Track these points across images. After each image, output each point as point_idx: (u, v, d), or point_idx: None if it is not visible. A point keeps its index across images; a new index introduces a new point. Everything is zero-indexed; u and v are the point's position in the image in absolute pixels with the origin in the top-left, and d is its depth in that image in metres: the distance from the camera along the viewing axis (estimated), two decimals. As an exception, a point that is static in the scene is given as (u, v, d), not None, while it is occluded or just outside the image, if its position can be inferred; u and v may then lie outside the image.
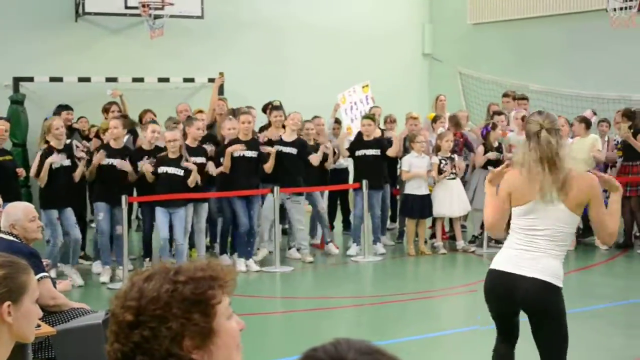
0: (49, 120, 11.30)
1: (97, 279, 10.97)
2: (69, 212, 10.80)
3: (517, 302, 5.11)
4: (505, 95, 15.05)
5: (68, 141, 11.38)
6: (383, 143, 12.83)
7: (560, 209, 5.02)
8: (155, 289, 2.11)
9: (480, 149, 13.03)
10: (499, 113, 13.79)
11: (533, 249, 5.07)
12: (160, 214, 10.95)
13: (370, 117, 12.97)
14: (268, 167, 11.77)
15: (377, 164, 12.77)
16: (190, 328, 2.09)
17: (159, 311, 2.09)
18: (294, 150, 12.11)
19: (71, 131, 13.07)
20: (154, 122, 11.80)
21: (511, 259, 5.13)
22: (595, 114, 14.33)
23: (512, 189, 5.17)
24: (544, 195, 5.00)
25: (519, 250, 5.11)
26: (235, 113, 12.50)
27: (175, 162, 10.95)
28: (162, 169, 10.93)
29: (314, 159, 12.25)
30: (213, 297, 2.15)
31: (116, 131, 11.10)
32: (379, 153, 12.68)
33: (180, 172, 10.92)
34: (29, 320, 3.00)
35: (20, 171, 11.03)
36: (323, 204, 12.95)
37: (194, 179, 10.90)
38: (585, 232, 13.65)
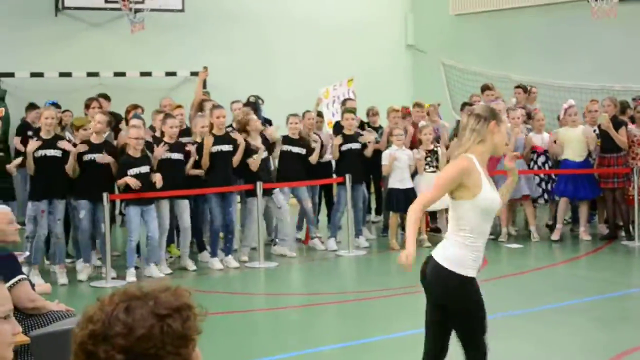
0: (41, 109, 11.25)
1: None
2: (60, 206, 10.75)
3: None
4: (487, 88, 14.88)
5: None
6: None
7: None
8: (143, 325, 2.04)
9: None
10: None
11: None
12: (133, 213, 10.87)
13: (352, 111, 12.95)
14: (235, 160, 11.65)
15: (360, 158, 12.76)
16: None
17: (153, 349, 2.03)
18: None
19: (61, 128, 12.88)
20: (170, 115, 11.73)
21: None
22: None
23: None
24: None
25: None
26: (202, 108, 12.47)
27: (141, 161, 10.88)
28: (133, 171, 10.79)
29: (313, 158, 12.26)
30: (196, 329, 2.11)
31: (99, 126, 11.00)
32: (361, 147, 12.70)
33: (147, 170, 10.87)
34: (3, 339, 2.91)
35: (10, 167, 10.88)
36: (309, 199, 12.89)
37: (159, 179, 10.88)
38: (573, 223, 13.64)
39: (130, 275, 10.78)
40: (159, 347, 2.03)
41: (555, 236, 12.83)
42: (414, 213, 5.06)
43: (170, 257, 11.98)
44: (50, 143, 10.77)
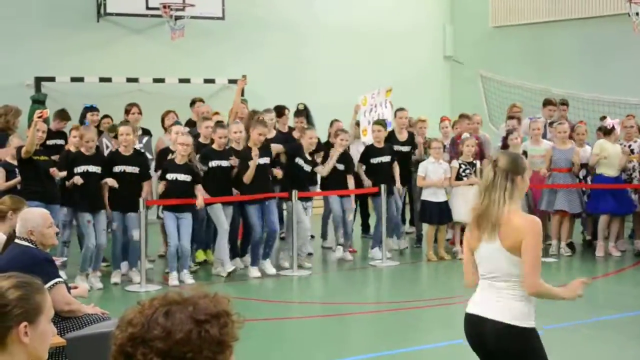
0: (82, 129, 11.35)
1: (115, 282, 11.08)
2: (102, 217, 10.90)
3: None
4: (550, 102, 14.60)
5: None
6: (394, 150, 12.87)
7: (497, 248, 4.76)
8: (181, 329, 2.09)
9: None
10: (511, 117, 13.68)
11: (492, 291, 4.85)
12: (169, 219, 11.01)
13: (380, 122, 12.90)
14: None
15: (390, 170, 12.78)
16: None
17: (190, 354, 2.07)
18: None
19: (98, 133, 12.99)
20: (221, 125, 11.82)
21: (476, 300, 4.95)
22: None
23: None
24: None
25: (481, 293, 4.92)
26: (252, 116, 12.52)
27: (183, 168, 11.00)
28: (171, 176, 10.98)
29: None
30: (233, 335, 2.15)
31: (128, 138, 11.11)
32: (390, 160, 12.72)
33: (188, 179, 10.99)
34: (44, 340, 2.97)
35: (54, 171, 10.99)
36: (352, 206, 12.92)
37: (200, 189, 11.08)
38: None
39: (173, 279, 10.91)
40: (196, 352, 2.07)
41: (599, 252, 12.60)
42: (543, 289, 4.75)
43: (198, 262, 12.07)
44: (91, 159, 10.93)
